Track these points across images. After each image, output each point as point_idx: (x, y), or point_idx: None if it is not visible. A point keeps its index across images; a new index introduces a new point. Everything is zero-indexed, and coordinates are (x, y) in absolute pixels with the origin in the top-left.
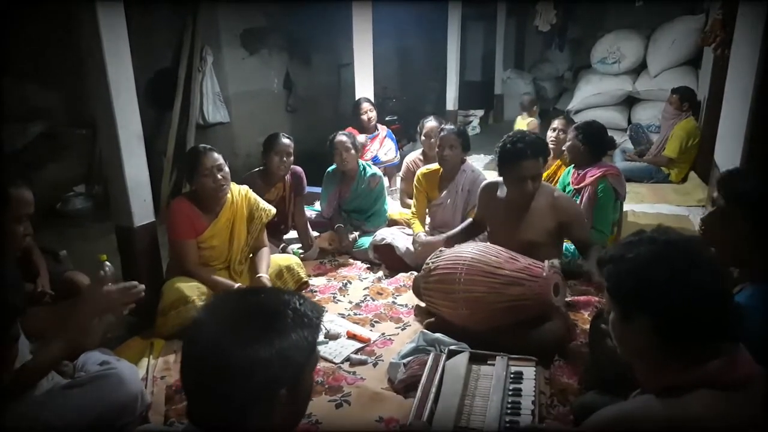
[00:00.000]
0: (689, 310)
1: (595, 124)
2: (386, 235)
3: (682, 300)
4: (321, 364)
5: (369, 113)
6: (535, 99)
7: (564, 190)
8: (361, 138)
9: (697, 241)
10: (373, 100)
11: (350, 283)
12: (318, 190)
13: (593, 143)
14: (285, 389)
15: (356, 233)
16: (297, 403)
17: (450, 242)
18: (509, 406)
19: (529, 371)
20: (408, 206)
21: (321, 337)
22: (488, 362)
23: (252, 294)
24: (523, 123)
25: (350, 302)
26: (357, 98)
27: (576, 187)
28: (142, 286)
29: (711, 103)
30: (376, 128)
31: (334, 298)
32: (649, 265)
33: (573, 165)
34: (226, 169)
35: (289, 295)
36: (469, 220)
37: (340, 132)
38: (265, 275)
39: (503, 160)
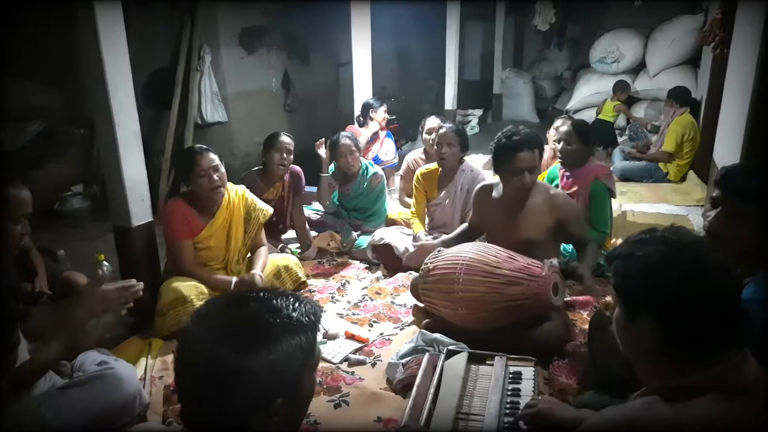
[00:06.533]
0: (696, 315)
1: (580, 121)
2: (385, 234)
3: (690, 305)
4: (319, 365)
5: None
6: (624, 83)
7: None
8: (363, 137)
9: (709, 243)
10: (373, 99)
11: (348, 282)
12: (316, 190)
13: (584, 140)
14: (281, 399)
15: (356, 234)
16: (297, 408)
17: (445, 247)
18: (508, 406)
19: (527, 371)
20: (407, 205)
21: (320, 338)
22: (487, 362)
23: (242, 303)
24: (610, 105)
25: (348, 302)
26: (366, 101)
27: (567, 192)
28: (141, 285)
29: (710, 102)
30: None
31: (333, 297)
32: (658, 266)
33: (562, 163)
34: (222, 169)
35: (282, 299)
36: (465, 224)
37: (342, 134)
38: (258, 272)
39: (499, 154)
